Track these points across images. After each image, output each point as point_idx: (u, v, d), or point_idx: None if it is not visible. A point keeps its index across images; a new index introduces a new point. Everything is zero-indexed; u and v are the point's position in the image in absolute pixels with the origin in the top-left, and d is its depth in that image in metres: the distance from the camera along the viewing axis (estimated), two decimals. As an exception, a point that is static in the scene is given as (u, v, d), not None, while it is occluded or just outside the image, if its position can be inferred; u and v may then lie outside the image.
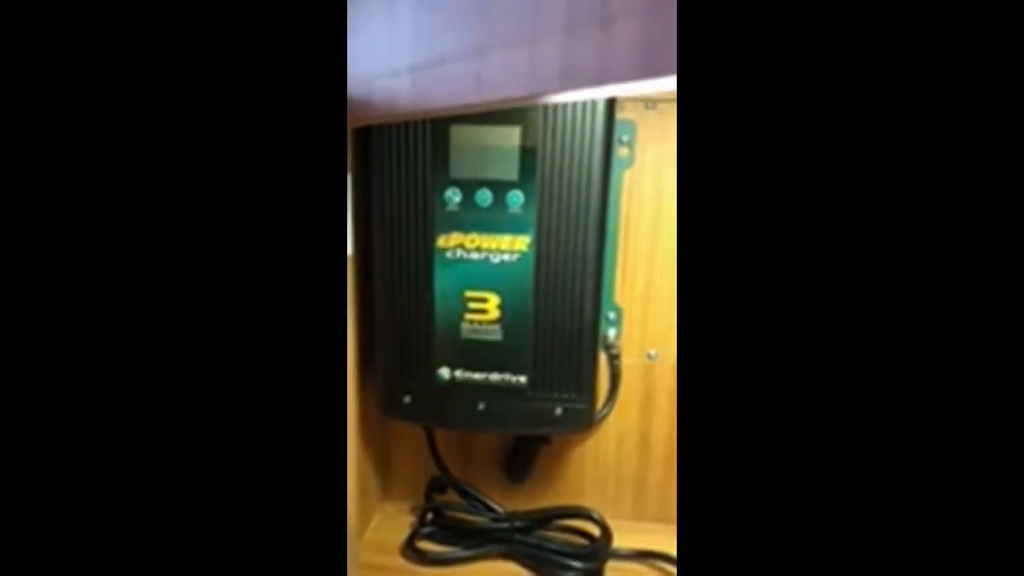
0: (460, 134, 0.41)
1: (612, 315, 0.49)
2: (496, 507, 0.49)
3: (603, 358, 0.48)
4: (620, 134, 0.45)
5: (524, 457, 0.51)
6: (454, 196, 0.41)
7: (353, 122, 0.33)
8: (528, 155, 0.40)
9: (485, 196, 0.41)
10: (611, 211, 0.45)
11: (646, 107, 0.46)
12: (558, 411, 0.44)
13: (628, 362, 0.50)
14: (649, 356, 0.49)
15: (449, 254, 0.42)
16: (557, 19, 0.19)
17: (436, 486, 0.52)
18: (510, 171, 0.41)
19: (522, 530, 0.47)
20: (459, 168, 0.41)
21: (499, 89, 0.22)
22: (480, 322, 0.43)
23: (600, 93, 0.18)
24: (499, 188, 0.41)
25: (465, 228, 0.42)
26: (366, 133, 0.41)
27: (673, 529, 0.51)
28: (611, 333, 0.49)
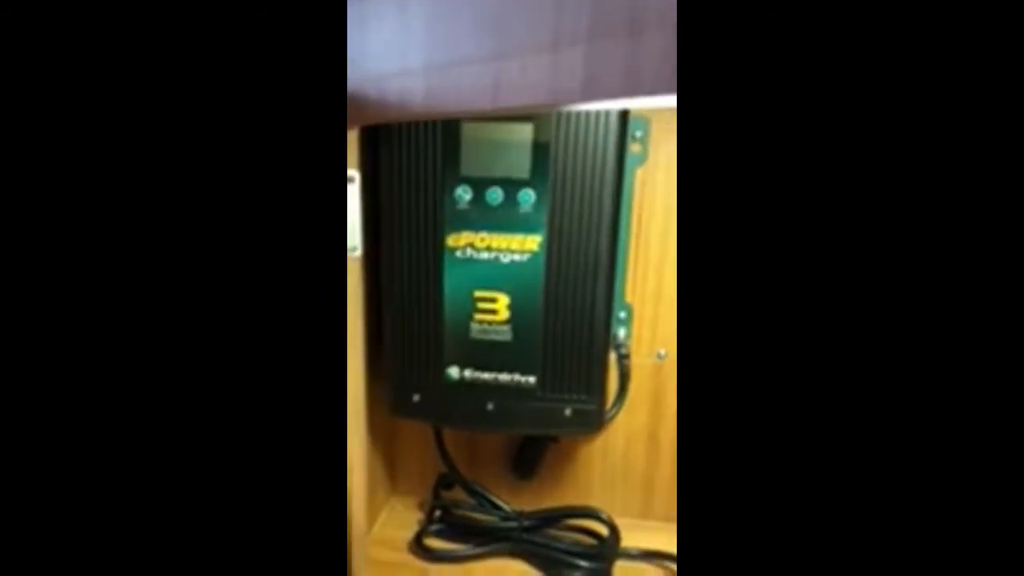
0: (471, 131, 0.40)
1: (622, 314, 0.48)
2: (504, 506, 0.49)
3: (613, 357, 0.48)
4: (633, 130, 0.45)
5: (532, 455, 0.51)
6: (464, 194, 0.41)
7: (364, 120, 0.32)
8: (540, 153, 0.39)
9: (496, 195, 0.40)
10: (623, 209, 0.44)
11: (660, 103, 0.45)
12: (568, 412, 0.43)
13: (638, 362, 0.49)
14: (659, 356, 0.49)
15: (459, 253, 0.41)
16: (581, 26, 0.18)
17: (444, 483, 0.51)
18: (522, 169, 0.40)
19: (530, 529, 0.47)
20: (470, 166, 0.40)
21: (517, 96, 0.21)
22: (490, 322, 0.42)
23: (625, 104, 0.17)
24: (510, 186, 0.40)
25: (475, 227, 0.41)
26: (375, 129, 0.40)
27: (681, 528, 0.51)
28: (621, 332, 0.48)
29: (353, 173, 0.34)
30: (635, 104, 0.17)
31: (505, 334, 0.42)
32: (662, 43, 0.16)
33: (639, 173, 0.46)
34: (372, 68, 0.30)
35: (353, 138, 0.34)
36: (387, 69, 0.29)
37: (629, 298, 0.48)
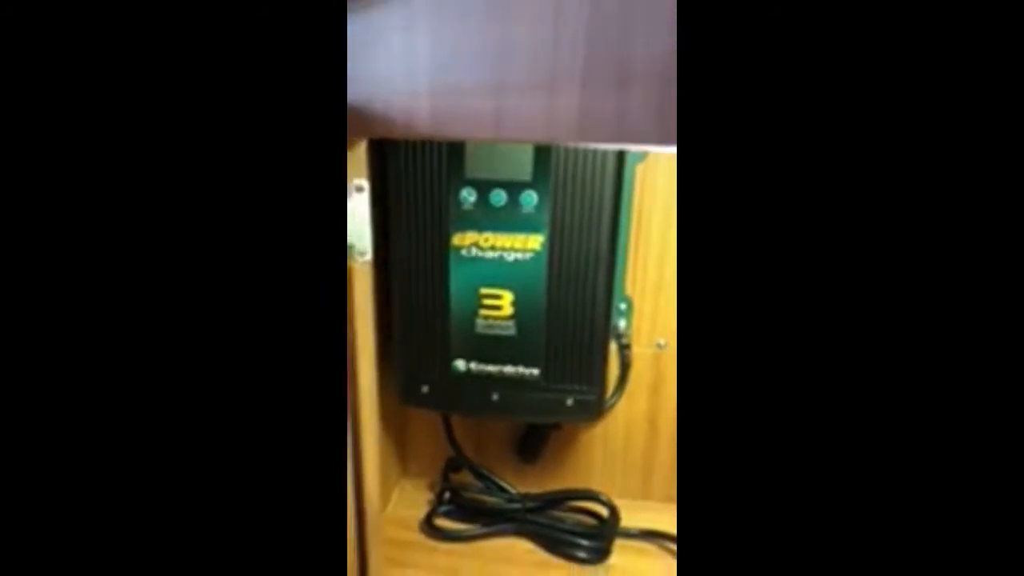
0: (475, 134, 0.41)
1: (623, 306, 0.50)
2: (509, 488, 0.52)
3: (613, 347, 0.50)
4: (634, 128, 0.46)
5: (536, 440, 0.53)
6: (469, 196, 0.42)
7: (371, 133, 0.34)
8: (542, 155, 0.41)
9: (499, 196, 0.42)
10: (624, 206, 0.45)
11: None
12: (569, 402, 0.46)
13: (638, 351, 0.51)
14: (658, 345, 0.51)
15: (464, 252, 0.43)
16: (575, 71, 0.19)
17: (452, 467, 0.54)
18: (524, 171, 0.41)
19: (534, 510, 0.50)
20: (474, 168, 0.42)
21: (518, 129, 0.22)
22: (495, 318, 0.44)
23: (618, 148, 0.18)
24: (513, 188, 0.42)
25: (480, 227, 0.42)
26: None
27: (678, 508, 0.53)
28: (622, 323, 0.50)
29: (362, 183, 0.35)
30: (627, 148, 0.18)
31: (509, 329, 0.44)
32: (648, 98, 0.17)
33: (640, 169, 0.47)
34: (380, 84, 0.31)
35: (361, 149, 0.35)
36: (394, 87, 0.30)
37: (630, 290, 0.50)
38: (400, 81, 0.30)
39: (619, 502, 0.50)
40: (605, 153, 0.40)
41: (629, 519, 0.50)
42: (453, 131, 0.26)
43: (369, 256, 0.37)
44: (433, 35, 0.26)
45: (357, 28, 0.32)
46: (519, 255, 0.43)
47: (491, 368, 0.45)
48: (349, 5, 0.32)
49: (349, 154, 0.35)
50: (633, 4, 0.17)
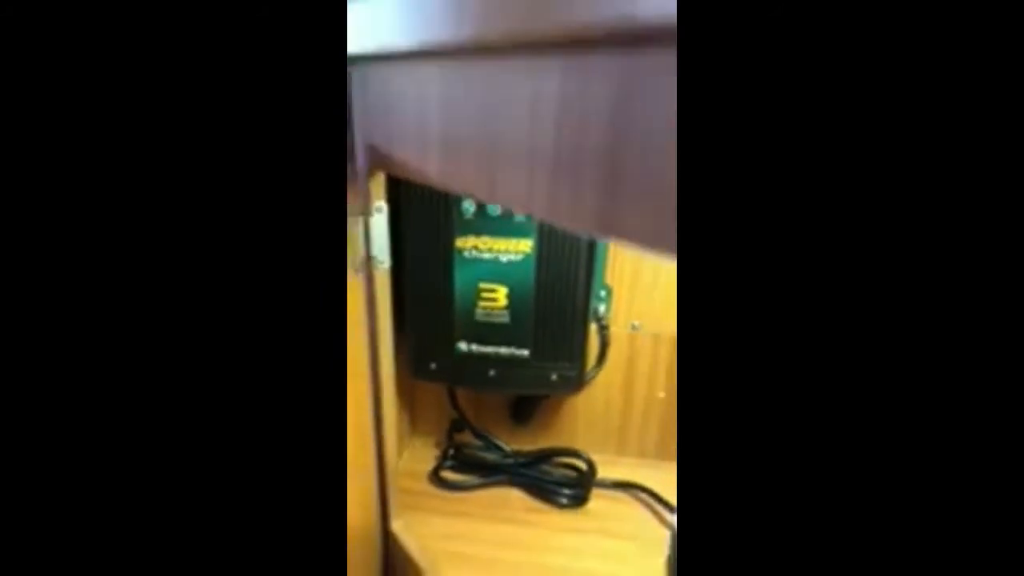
0: (475, 154, 0.48)
1: (603, 293, 0.58)
2: (504, 446, 0.61)
3: (594, 328, 0.58)
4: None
5: (527, 406, 0.62)
6: (470, 206, 0.49)
7: (387, 170, 0.40)
8: (532, 173, 0.47)
9: (495, 206, 0.49)
10: (603, 211, 0.52)
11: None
12: (554, 377, 0.54)
13: (616, 331, 0.59)
14: (633, 327, 0.59)
15: (466, 253, 0.50)
16: (545, 158, 0.25)
17: (455, 427, 0.63)
18: (517, 186, 0.48)
19: (525, 465, 0.59)
20: (474, 183, 0.49)
21: (506, 199, 0.29)
22: (492, 308, 0.52)
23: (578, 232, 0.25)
24: (507, 200, 0.49)
25: (479, 232, 0.50)
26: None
27: (648, 463, 0.62)
28: (601, 308, 0.58)
29: (382, 204, 0.42)
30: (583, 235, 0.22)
31: (504, 317, 0.52)
32: (592, 190, 0.23)
33: (618, 177, 0.54)
34: (398, 132, 0.38)
35: (382, 178, 0.42)
36: (410, 137, 0.36)
37: (609, 279, 0.58)
38: (414, 134, 0.36)
39: (597, 458, 0.59)
40: (584, 175, 0.47)
41: (605, 472, 0.59)
42: (457, 188, 0.33)
43: (388, 264, 0.44)
44: (442, 97, 0.32)
45: (379, 76, 0.38)
46: (512, 256, 0.50)
47: (488, 349, 0.53)
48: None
49: (371, 182, 0.42)
50: (586, 119, 0.23)
